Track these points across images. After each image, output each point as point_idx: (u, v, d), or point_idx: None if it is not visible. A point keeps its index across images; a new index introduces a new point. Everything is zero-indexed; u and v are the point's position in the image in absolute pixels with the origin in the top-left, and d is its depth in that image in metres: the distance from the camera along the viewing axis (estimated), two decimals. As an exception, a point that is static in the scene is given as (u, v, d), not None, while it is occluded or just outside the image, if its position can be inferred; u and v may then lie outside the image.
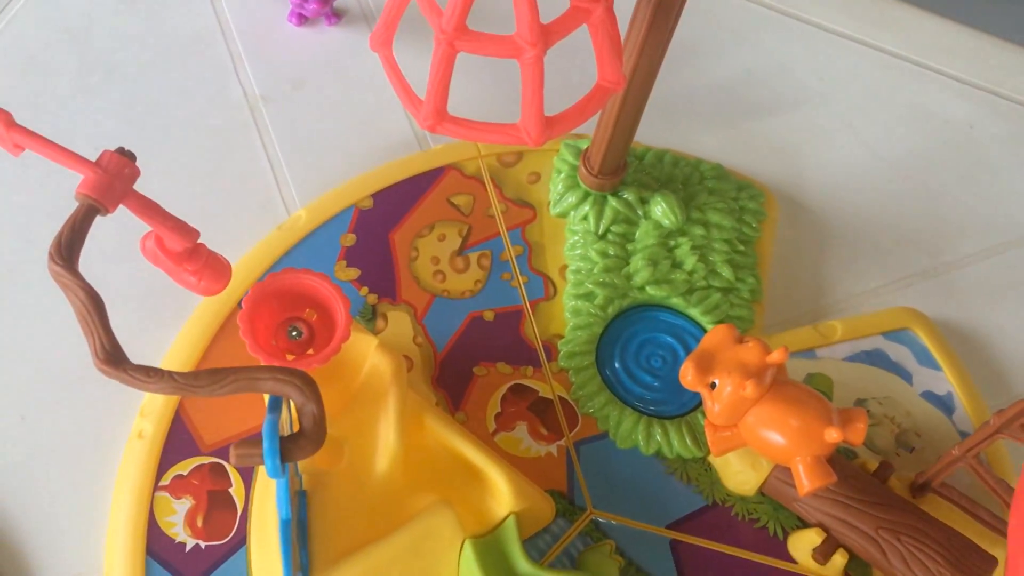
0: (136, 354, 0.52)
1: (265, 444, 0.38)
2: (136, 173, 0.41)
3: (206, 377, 0.38)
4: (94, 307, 0.38)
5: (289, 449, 0.38)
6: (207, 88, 0.64)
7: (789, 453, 0.50)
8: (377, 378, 0.49)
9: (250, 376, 0.38)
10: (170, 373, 0.38)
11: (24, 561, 0.50)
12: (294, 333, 0.47)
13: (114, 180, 0.40)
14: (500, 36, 0.38)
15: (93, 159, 0.40)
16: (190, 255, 0.45)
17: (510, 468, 0.49)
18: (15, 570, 0.49)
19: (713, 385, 0.50)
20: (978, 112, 0.69)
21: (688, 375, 0.50)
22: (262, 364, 0.43)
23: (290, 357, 0.47)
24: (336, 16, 0.67)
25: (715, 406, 0.50)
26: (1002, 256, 0.64)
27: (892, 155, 0.67)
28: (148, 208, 0.42)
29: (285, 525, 0.40)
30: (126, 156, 0.41)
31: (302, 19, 0.66)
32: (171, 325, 0.56)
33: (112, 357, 0.38)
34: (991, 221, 0.65)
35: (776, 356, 0.49)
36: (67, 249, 0.39)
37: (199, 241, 0.44)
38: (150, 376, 0.38)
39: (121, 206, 0.41)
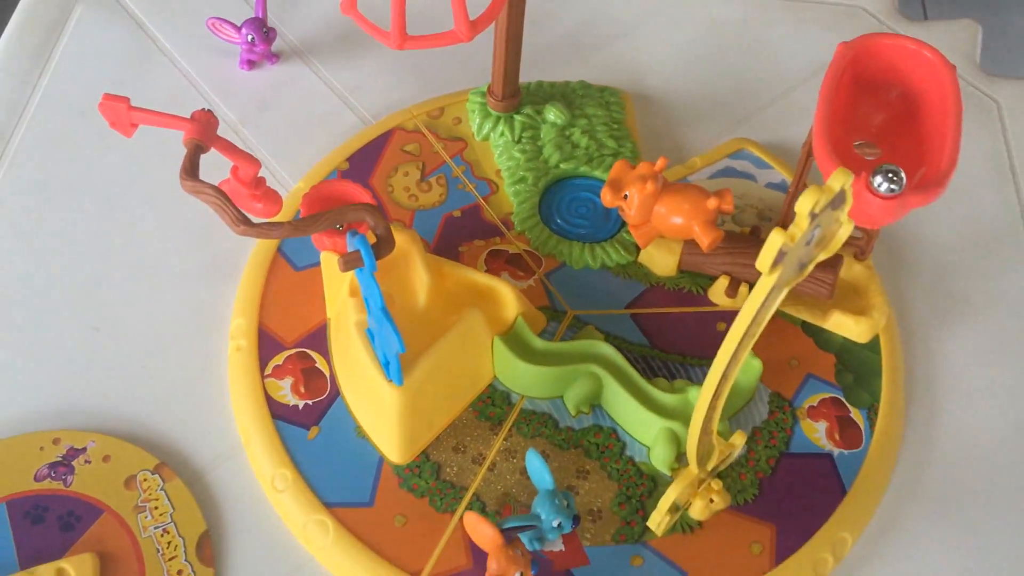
0: (205, 302, 0.72)
1: (361, 249, 0.57)
2: (217, 122, 0.61)
3: (309, 219, 0.58)
4: (222, 196, 0.57)
5: (377, 250, 0.58)
6: (196, 127, 0.84)
7: (688, 226, 0.72)
8: (399, 247, 0.69)
9: (339, 213, 0.58)
10: (287, 222, 0.57)
11: (178, 452, 0.67)
12: (338, 227, 0.67)
13: (206, 127, 0.60)
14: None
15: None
16: (256, 183, 0.64)
17: (510, 283, 0.70)
18: (172, 457, 0.66)
19: (625, 197, 0.72)
20: (747, 9, 0.96)
21: (607, 196, 0.72)
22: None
23: (339, 242, 0.67)
24: (276, 56, 0.88)
25: (631, 210, 0.72)
26: (791, 95, 0.90)
27: (698, 51, 0.93)
28: (227, 145, 0.61)
29: (383, 311, 0.59)
30: (209, 112, 0.61)
31: (251, 64, 0.87)
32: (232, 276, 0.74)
33: (245, 220, 0.56)
34: (776, 74, 0.91)
35: (659, 164, 0.72)
36: (191, 170, 0.58)
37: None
38: (273, 226, 0.57)
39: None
